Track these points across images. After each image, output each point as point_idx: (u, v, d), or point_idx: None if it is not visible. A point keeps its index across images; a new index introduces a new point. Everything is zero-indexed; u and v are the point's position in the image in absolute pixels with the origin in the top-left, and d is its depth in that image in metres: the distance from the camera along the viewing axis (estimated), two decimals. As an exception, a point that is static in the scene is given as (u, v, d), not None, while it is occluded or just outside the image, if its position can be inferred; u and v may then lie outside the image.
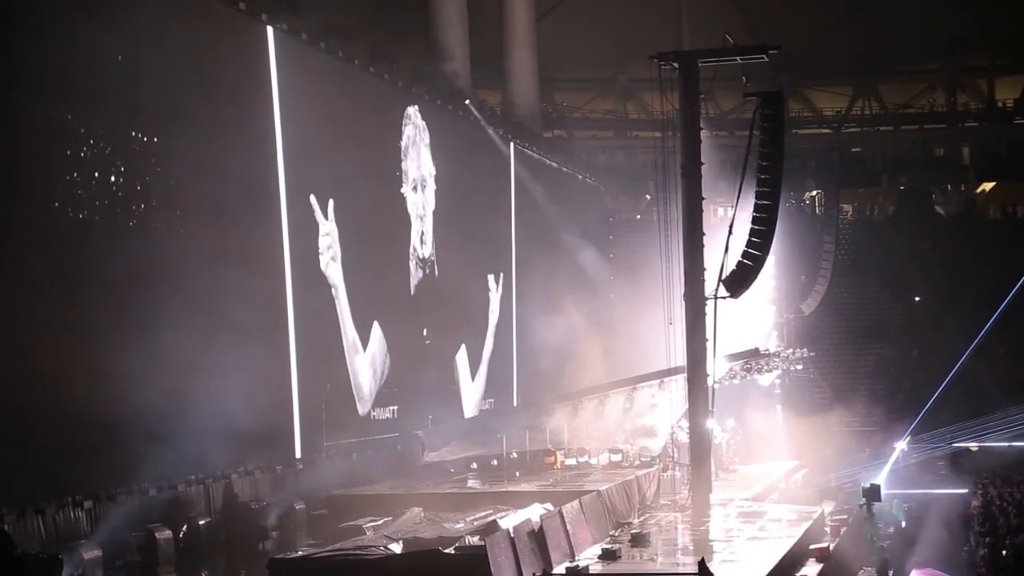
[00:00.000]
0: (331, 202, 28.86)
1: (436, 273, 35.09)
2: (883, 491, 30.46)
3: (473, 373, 37.64)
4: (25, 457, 19.35)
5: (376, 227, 31.62)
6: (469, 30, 45.21)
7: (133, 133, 22.44)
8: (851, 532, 27.39)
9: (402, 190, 33.49)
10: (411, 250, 34.05)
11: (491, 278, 39.59)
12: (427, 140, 34.66)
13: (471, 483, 28.12)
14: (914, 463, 37.87)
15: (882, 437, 39.78)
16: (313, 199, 28.36)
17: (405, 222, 33.72)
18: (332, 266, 29.21)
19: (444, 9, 44.12)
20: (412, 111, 34.09)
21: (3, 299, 19.22)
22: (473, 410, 37.20)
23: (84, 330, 20.72)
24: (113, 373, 20.95)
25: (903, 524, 32.75)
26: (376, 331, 31.35)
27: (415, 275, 34.17)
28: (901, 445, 37.22)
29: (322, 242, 28.80)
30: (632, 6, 57.23)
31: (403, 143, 33.62)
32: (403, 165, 33.55)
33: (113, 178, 21.84)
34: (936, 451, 38.59)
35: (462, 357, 37.03)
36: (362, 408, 30.77)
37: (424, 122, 34.53)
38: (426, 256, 34.74)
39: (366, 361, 31.00)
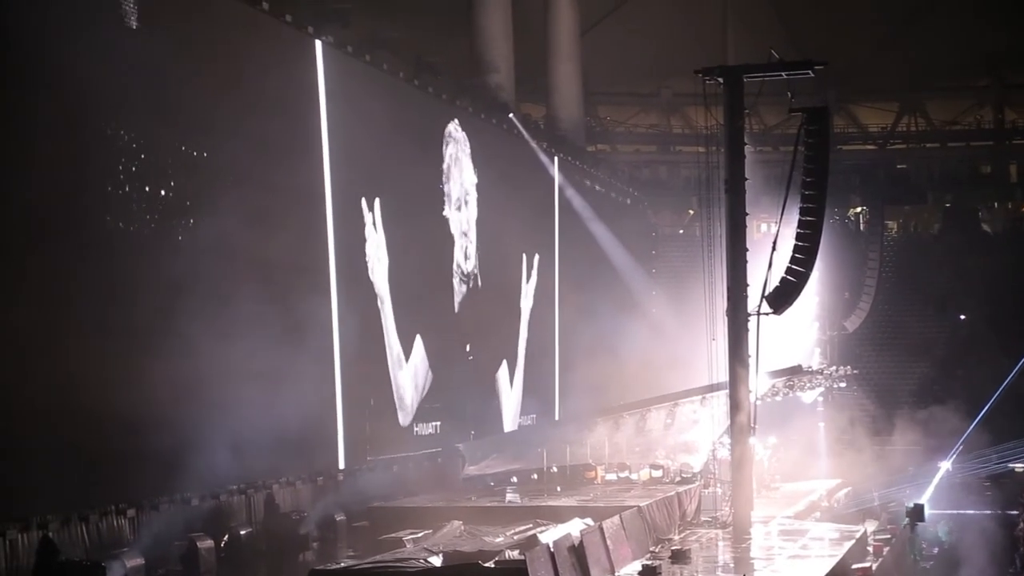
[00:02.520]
0: (378, 210, 29.00)
1: (479, 286, 35.16)
2: (927, 511, 30.23)
3: (511, 379, 37.58)
4: (69, 465, 19.49)
5: (420, 242, 31.68)
6: (513, 44, 45.36)
7: (183, 147, 22.63)
8: (894, 552, 27.18)
9: (445, 212, 33.58)
10: (455, 267, 34.12)
11: (524, 259, 39.26)
12: (468, 151, 34.72)
13: (511, 497, 28.09)
14: (959, 483, 37.50)
15: (926, 456, 39.43)
16: (364, 204, 28.50)
17: (448, 240, 33.79)
18: (379, 271, 29.33)
19: (489, 23, 44.27)
20: (452, 127, 34.18)
21: (54, 309, 19.41)
22: (513, 422, 37.19)
23: (130, 340, 20.88)
24: (158, 382, 21.10)
25: (947, 545, 32.46)
26: (419, 345, 31.41)
27: (459, 291, 34.24)
28: (946, 465, 36.87)
29: (369, 249, 28.95)
30: (676, 21, 57.23)
31: (445, 164, 33.72)
32: (446, 187, 33.65)
33: (163, 192, 22.04)
34: (981, 471, 38.20)
35: (503, 372, 37.03)
36: (404, 421, 30.80)
37: (464, 134, 34.60)
38: (469, 271, 34.81)
39: (408, 374, 31.05)
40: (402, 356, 30.69)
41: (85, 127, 20.17)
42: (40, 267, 19.24)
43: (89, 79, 19.98)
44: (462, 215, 34.37)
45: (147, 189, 21.58)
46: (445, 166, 33.67)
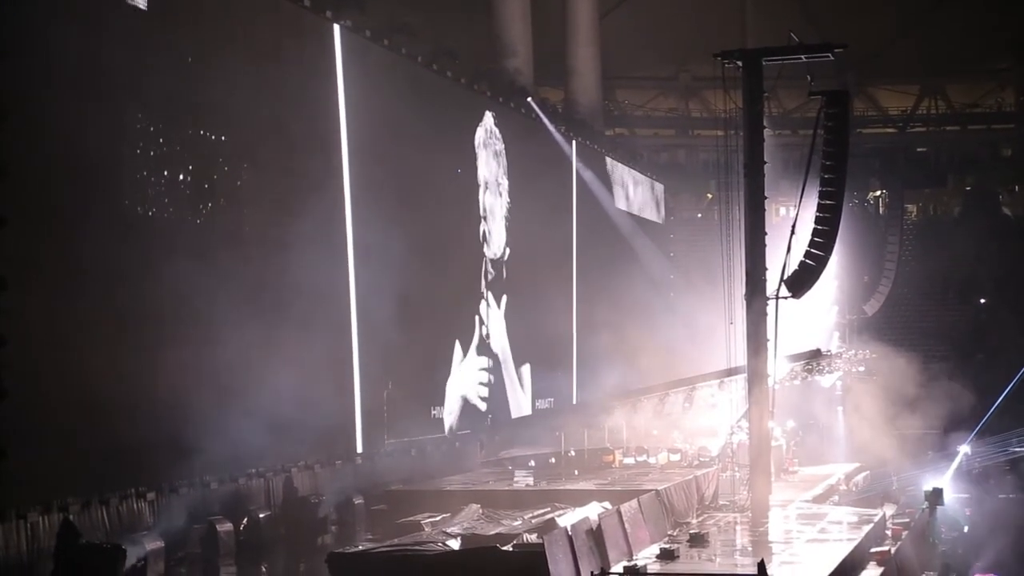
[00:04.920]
0: (398, 192, 28.95)
1: (501, 269, 35.22)
2: (946, 495, 30.15)
3: (529, 371, 37.65)
4: (90, 449, 19.64)
5: (442, 225, 31.66)
6: (532, 28, 45.29)
7: (201, 132, 22.69)
8: (913, 536, 27.10)
9: (468, 189, 33.58)
10: (481, 249, 34.20)
11: (543, 243, 38.80)
12: (497, 147, 34.83)
13: (529, 481, 28.13)
14: (978, 467, 37.40)
15: (945, 440, 39.32)
16: (383, 187, 28.49)
17: (472, 220, 33.80)
18: (400, 253, 29.32)
19: (507, 7, 44.24)
20: (488, 116, 34.46)
21: (70, 294, 19.51)
22: (529, 406, 37.21)
23: (147, 324, 20.99)
24: (176, 367, 21.22)
25: (965, 529, 32.36)
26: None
27: (482, 272, 34.31)
28: (965, 449, 36.76)
29: (389, 232, 28.92)
30: (695, 5, 57.03)
31: (475, 141, 33.77)
32: (471, 164, 33.66)
33: (181, 176, 22.11)
34: (1001, 456, 38.08)
35: (522, 355, 37.09)
36: (424, 403, 30.82)
37: (497, 128, 34.71)
38: (490, 255, 34.84)
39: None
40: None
41: (102, 112, 20.21)
42: (58, 254, 19.35)
43: (107, 64, 20.05)
44: (484, 198, 34.40)
45: (165, 174, 21.65)
46: (475, 142, 33.72)
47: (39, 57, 18.82)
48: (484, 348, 34.42)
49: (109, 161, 20.53)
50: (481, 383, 33.73)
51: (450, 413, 32.00)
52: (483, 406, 33.81)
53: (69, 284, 19.53)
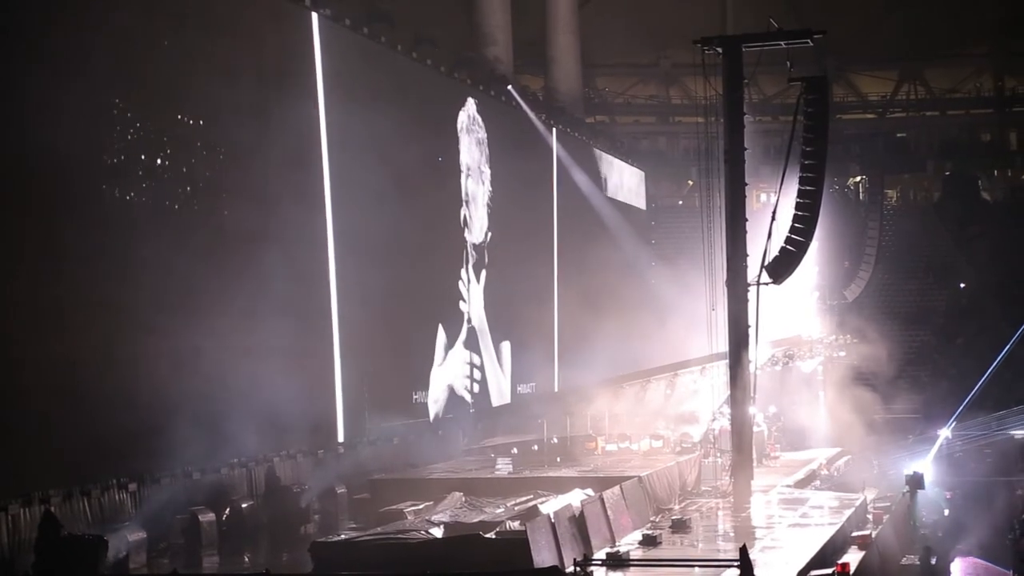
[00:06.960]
0: (378, 181, 28.90)
1: (483, 255, 35.19)
2: (927, 478, 30.32)
3: (511, 357, 37.66)
4: (71, 440, 19.54)
5: (423, 210, 31.57)
6: (512, 16, 45.22)
7: (179, 117, 22.59)
8: (894, 520, 27.25)
9: (450, 175, 33.52)
10: (460, 234, 34.16)
11: (523, 230, 38.86)
12: (479, 135, 34.77)
13: (512, 468, 28.14)
14: (959, 451, 37.59)
15: (926, 424, 39.52)
16: (363, 176, 28.41)
17: (453, 205, 33.73)
18: (380, 241, 29.31)
19: (487, -5, 44.18)
20: (471, 102, 34.37)
21: (49, 281, 19.41)
22: (507, 393, 37.22)
23: (127, 312, 20.87)
24: (157, 356, 21.14)
25: (946, 512, 32.54)
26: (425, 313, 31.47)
27: (463, 259, 34.29)
28: (945, 432, 36.94)
29: (369, 220, 28.87)
30: (675, -9, 57.06)
31: (457, 126, 33.71)
32: (452, 149, 33.59)
33: (159, 161, 22.01)
34: (981, 439, 38.27)
35: (505, 343, 37.08)
36: (407, 388, 30.80)
37: (479, 115, 34.66)
38: (472, 240, 34.83)
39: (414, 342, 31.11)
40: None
41: (80, 96, 20.06)
42: (37, 241, 19.24)
43: (84, 48, 19.92)
44: (468, 184, 34.36)
45: (143, 158, 21.56)
46: (457, 127, 33.66)
47: (17, 41, 18.69)
48: (468, 333, 34.39)
49: (87, 145, 20.41)
50: (466, 372, 33.70)
51: (435, 401, 31.96)
52: (468, 396, 33.78)
53: (47, 271, 19.42)
